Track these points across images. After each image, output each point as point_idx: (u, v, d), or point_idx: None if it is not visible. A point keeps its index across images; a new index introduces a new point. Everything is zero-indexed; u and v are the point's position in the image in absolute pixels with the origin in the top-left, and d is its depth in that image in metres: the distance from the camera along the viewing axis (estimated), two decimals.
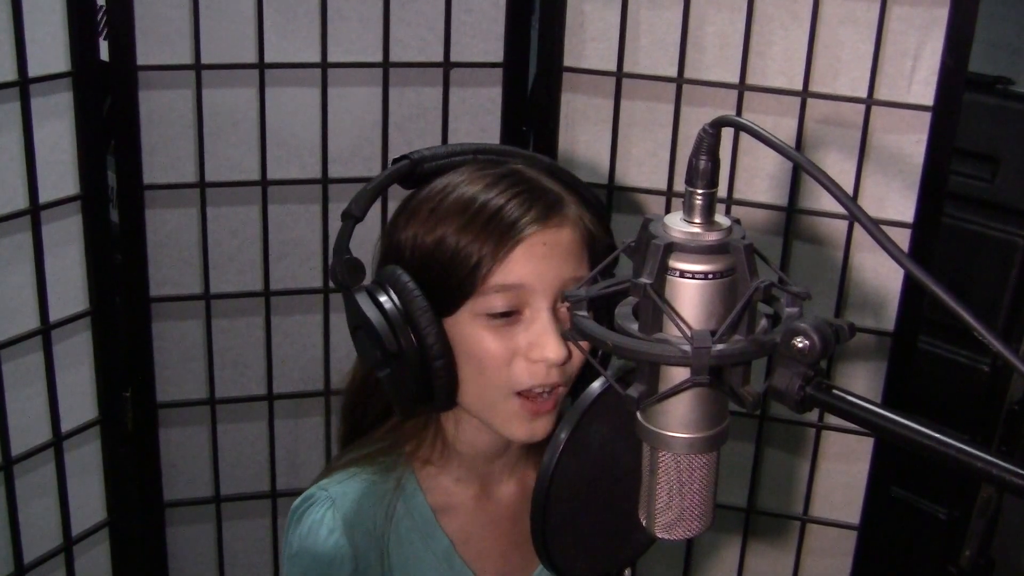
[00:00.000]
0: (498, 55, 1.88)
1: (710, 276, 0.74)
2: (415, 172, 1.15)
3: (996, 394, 2.20)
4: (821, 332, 0.71)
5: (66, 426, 1.82)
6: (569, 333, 0.79)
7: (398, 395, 1.10)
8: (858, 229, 1.79)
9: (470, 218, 1.09)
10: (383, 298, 1.08)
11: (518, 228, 1.08)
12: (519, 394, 1.11)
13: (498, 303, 1.09)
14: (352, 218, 1.11)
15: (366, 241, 1.20)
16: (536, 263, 1.09)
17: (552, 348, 1.08)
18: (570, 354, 1.10)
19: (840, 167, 1.77)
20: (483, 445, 1.21)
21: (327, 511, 1.18)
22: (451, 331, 1.10)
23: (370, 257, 1.20)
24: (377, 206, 1.15)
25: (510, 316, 1.10)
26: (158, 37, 1.75)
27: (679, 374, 0.75)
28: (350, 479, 1.20)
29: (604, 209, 1.23)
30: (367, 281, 1.12)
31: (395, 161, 1.15)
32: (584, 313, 0.79)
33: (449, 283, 1.09)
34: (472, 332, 1.10)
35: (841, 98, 1.76)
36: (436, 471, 1.23)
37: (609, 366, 0.87)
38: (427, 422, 1.22)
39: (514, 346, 1.10)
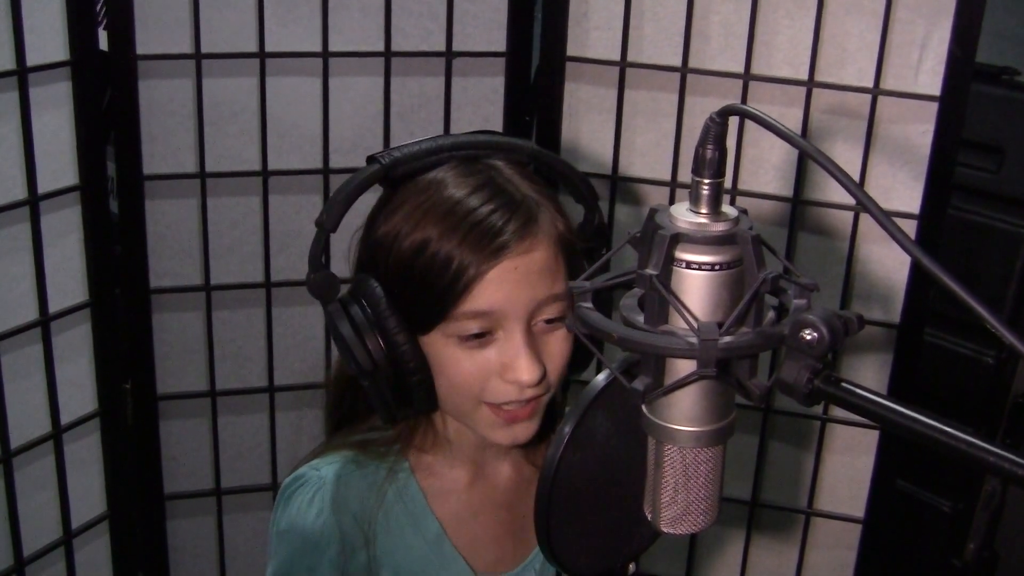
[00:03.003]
0: (501, 44, 1.86)
1: (717, 267, 0.73)
2: (388, 176, 1.12)
3: (1001, 386, 2.19)
4: (830, 324, 0.70)
5: (66, 418, 1.81)
6: (573, 324, 0.78)
7: (378, 403, 1.12)
8: (864, 220, 1.78)
9: (452, 225, 1.07)
10: (358, 314, 1.09)
11: (494, 250, 1.07)
12: (489, 404, 1.12)
13: (471, 327, 1.09)
14: (324, 229, 1.09)
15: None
16: (508, 289, 1.08)
17: (525, 370, 1.08)
18: (544, 372, 1.10)
19: (846, 157, 1.76)
20: (472, 435, 1.21)
21: (317, 492, 1.18)
22: (425, 348, 1.10)
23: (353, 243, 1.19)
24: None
25: (483, 337, 1.10)
26: (158, 26, 1.74)
27: (685, 367, 0.74)
28: (342, 461, 1.21)
29: (593, 197, 1.20)
30: (345, 284, 1.13)
31: (368, 161, 1.13)
32: (588, 305, 0.78)
33: (427, 296, 1.08)
34: (445, 352, 1.10)
35: (847, 88, 1.75)
36: (429, 458, 1.23)
37: (614, 359, 0.86)
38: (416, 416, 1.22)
39: (488, 366, 1.10)
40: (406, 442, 1.23)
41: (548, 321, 1.11)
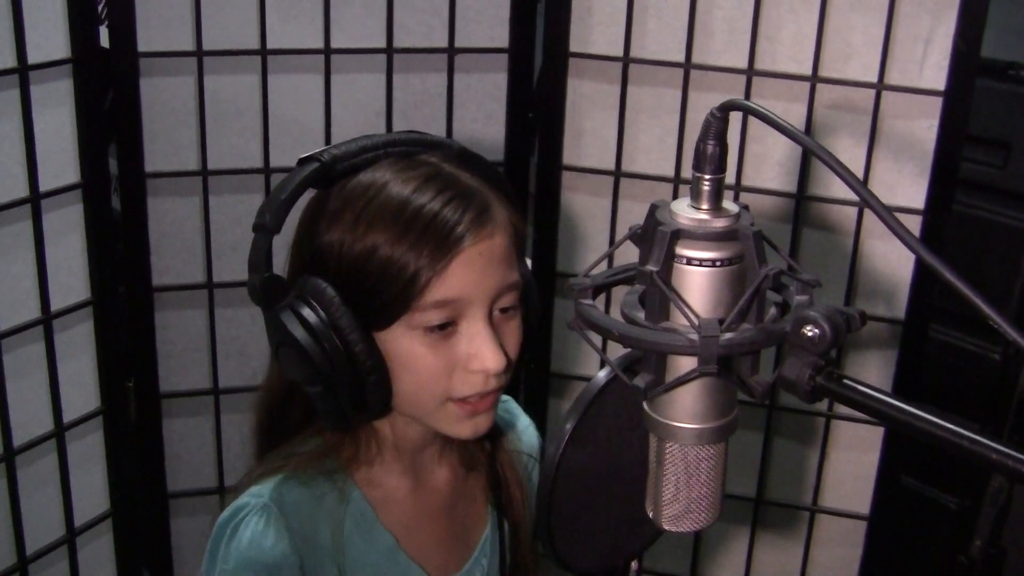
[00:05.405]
0: (504, 40, 1.86)
1: (718, 263, 0.73)
2: (327, 174, 1.09)
3: (1007, 382, 2.18)
4: (832, 320, 0.69)
5: (68, 417, 1.81)
6: (575, 323, 0.78)
7: (330, 411, 1.08)
8: (868, 216, 1.77)
9: (403, 227, 1.04)
10: (310, 315, 1.05)
11: (454, 241, 1.04)
12: (454, 400, 1.09)
13: (435, 317, 1.06)
14: (267, 230, 1.05)
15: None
16: (474, 275, 1.06)
17: (491, 359, 1.06)
18: (509, 361, 1.08)
19: (850, 153, 1.76)
20: (414, 437, 1.18)
21: (269, 518, 1.12)
22: (384, 344, 1.07)
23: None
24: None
25: (446, 328, 1.07)
26: (159, 23, 1.74)
27: (686, 363, 0.73)
28: (285, 485, 1.15)
29: (513, 191, 1.17)
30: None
31: (302, 162, 1.09)
32: (589, 301, 0.77)
33: (383, 297, 1.05)
34: (409, 346, 1.07)
35: (851, 83, 1.74)
36: (370, 469, 1.19)
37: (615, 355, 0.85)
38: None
39: (452, 358, 1.07)
40: (348, 454, 1.18)
41: (503, 311, 1.10)
